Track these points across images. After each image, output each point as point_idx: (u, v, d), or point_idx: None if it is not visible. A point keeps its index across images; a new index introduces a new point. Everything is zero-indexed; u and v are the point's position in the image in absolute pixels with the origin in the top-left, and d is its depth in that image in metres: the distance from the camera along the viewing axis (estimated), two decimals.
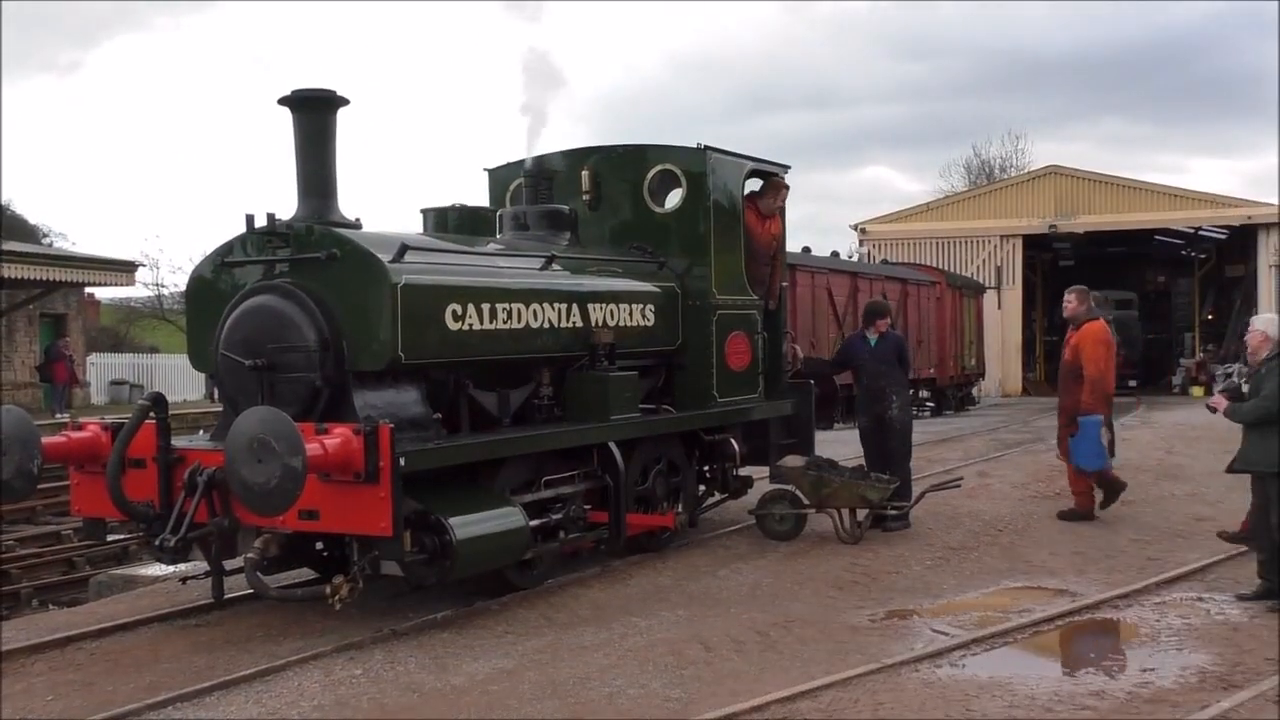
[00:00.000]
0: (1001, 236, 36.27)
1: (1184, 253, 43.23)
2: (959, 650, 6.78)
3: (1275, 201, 34.06)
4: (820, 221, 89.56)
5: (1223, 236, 38.80)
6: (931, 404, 27.39)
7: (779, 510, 10.30)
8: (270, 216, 7.53)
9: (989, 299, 34.12)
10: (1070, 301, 11.04)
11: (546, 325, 8.42)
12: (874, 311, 11.24)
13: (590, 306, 8.85)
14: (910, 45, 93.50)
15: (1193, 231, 39.18)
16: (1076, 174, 36.66)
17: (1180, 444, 17.88)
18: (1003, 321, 35.71)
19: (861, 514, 10.14)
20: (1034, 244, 37.84)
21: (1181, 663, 6.53)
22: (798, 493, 10.23)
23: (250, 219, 7.60)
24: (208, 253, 8.15)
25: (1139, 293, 40.90)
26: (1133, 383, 36.36)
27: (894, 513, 10.41)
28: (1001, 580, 8.76)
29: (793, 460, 10.26)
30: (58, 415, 23.61)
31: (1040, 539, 10.17)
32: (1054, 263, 42.44)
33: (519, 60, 9.37)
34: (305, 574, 8.37)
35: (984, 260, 36.26)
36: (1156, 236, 40.50)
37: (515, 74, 9.40)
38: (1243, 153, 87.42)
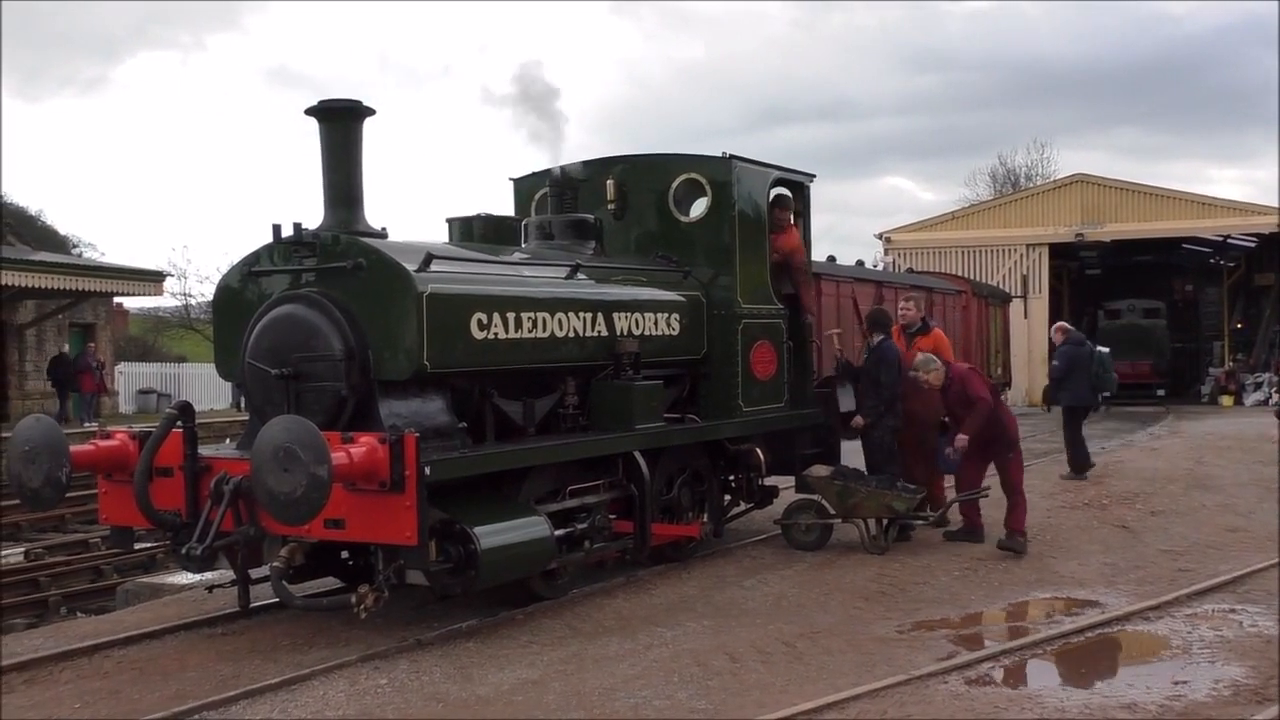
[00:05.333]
0: (1028, 245, 36.03)
1: (1212, 261, 42.81)
2: (988, 662, 6.72)
3: None
4: (838, 231, 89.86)
5: (1252, 245, 38.44)
6: None
7: (805, 520, 10.26)
8: (297, 226, 7.55)
9: (1015, 308, 33.88)
10: (910, 309, 11.62)
11: (571, 334, 8.41)
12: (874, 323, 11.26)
13: (615, 315, 8.83)
14: (921, 58, 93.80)
15: (1221, 240, 38.80)
16: (1103, 182, 36.38)
17: (1210, 454, 17.70)
18: (1029, 331, 35.42)
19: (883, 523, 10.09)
20: (1060, 253, 37.56)
21: (1214, 675, 6.44)
22: (824, 502, 10.19)
23: (277, 229, 7.64)
24: (235, 262, 8.19)
25: (1167, 301, 40.48)
26: (1161, 392, 36.06)
27: (920, 523, 10.38)
28: (1030, 591, 8.69)
29: (819, 470, 10.23)
30: (85, 424, 23.77)
31: (1069, 549, 10.09)
32: (1081, 272, 42.12)
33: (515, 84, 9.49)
34: (331, 583, 8.39)
35: (1010, 269, 36.02)
36: (1184, 245, 40.11)
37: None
38: (1257, 161, 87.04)
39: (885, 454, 10.58)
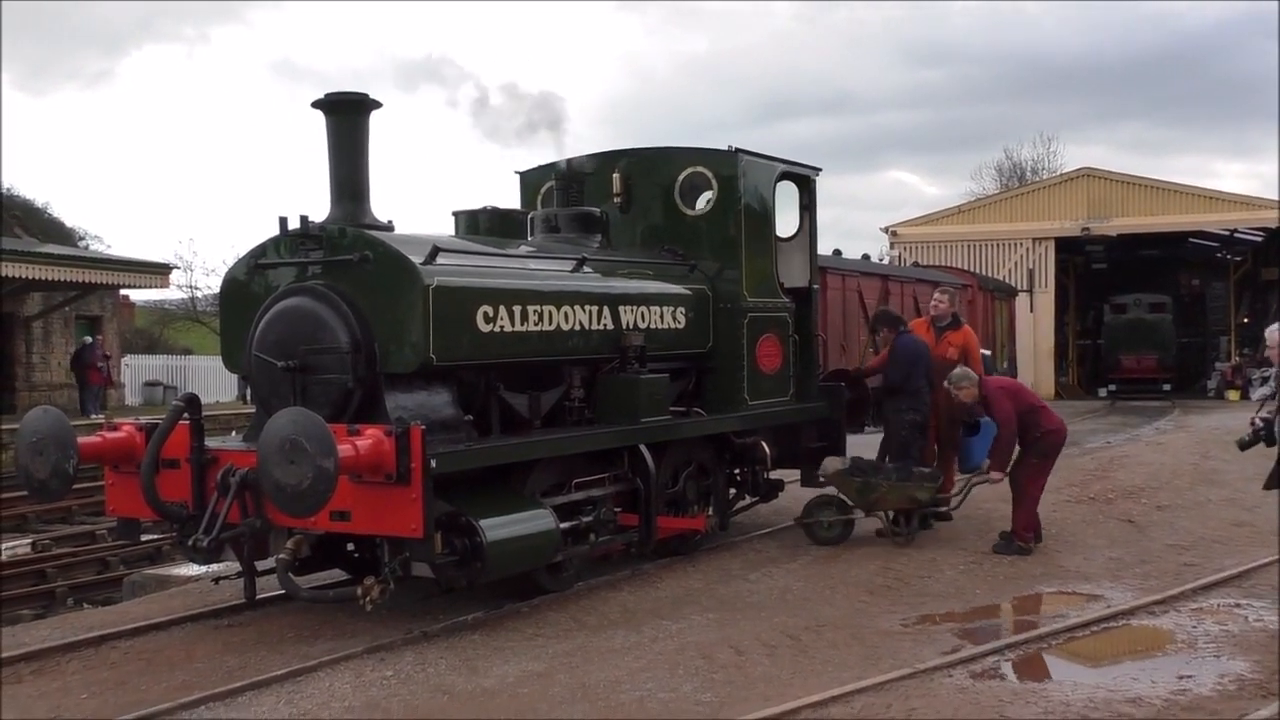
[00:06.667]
0: (1034, 239, 35.99)
1: (1219, 255, 42.71)
2: (992, 655, 6.72)
3: None
4: (842, 225, 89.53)
5: (1259, 239, 38.36)
6: None
7: (827, 517, 10.22)
8: (303, 219, 7.56)
9: (1021, 302, 33.87)
10: (943, 302, 11.36)
11: (577, 327, 8.42)
12: (884, 322, 11.25)
13: (621, 309, 8.84)
14: (925, 53, 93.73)
15: (1228, 234, 38.73)
16: (1109, 176, 36.32)
17: (1216, 448, 17.64)
18: (1035, 325, 35.42)
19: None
20: (1066, 247, 37.49)
21: (1220, 670, 6.44)
22: (843, 497, 10.16)
23: (283, 221, 7.64)
24: (241, 255, 8.20)
25: (1173, 295, 40.40)
26: (1167, 386, 35.99)
27: (941, 510, 10.39)
28: (1035, 585, 8.69)
29: (834, 464, 10.19)
30: (93, 416, 23.81)
31: (1074, 544, 10.08)
32: (1087, 266, 42.05)
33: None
34: (336, 575, 8.40)
35: (1016, 263, 35.99)
36: (1191, 239, 40.04)
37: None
38: (1263, 156, 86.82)
39: (899, 447, 10.56)
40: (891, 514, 10.10)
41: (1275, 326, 7.75)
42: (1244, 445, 7.98)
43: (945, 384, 10.11)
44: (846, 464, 10.17)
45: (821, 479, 10.28)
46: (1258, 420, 7.70)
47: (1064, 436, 10.08)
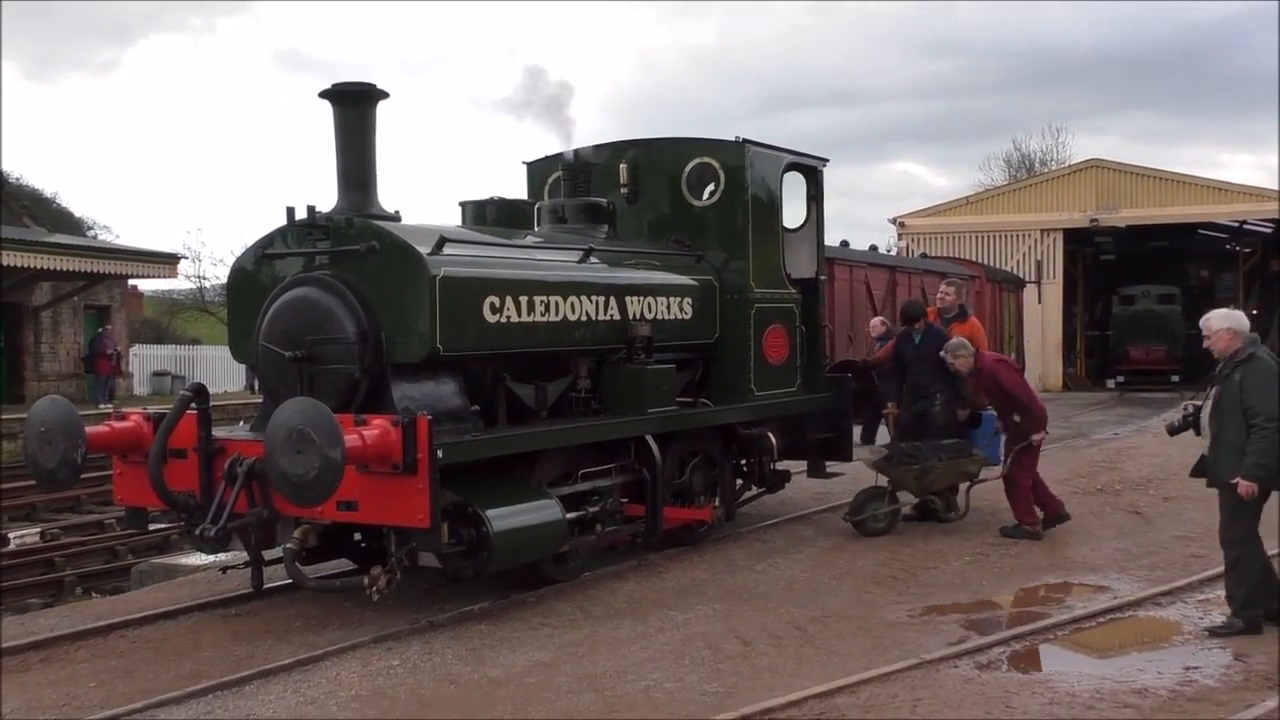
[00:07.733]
0: (1042, 230, 35.86)
1: (1228, 247, 42.55)
2: (999, 646, 6.73)
3: None
4: (849, 216, 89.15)
5: (1268, 230, 38.21)
6: None
7: (878, 509, 10.21)
8: (310, 209, 7.57)
9: (1029, 293, 33.76)
10: (950, 294, 11.50)
11: (584, 318, 8.42)
12: (907, 314, 11.26)
13: (628, 299, 8.84)
14: (933, 44, 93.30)
15: (1237, 225, 38.58)
16: (1118, 167, 36.18)
17: None
18: (1043, 316, 35.32)
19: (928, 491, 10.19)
20: (1075, 238, 37.37)
21: (1226, 661, 6.45)
22: (891, 487, 10.18)
23: (291, 211, 7.66)
24: (249, 245, 8.21)
25: (1181, 287, 40.22)
26: (1175, 378, 35.90)
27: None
28: (1041, 576, 8.69)
29: (871, 452, 10.24)
30: (101, 406, 23.86)
31: (1081, 535, 10.07)
32: (1095, 257, 41.93)
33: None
34: (343, 565, 8.42)
35: (1024, 254, 35.88)
36: (1200, 230, 39.89)
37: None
38: (1271, 146, 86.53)
39: (943, 432, 10.54)
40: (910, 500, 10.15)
41: (1211, 314, 7.63)
42: (1173, 430, 7.95)
43: (942, 353, 10.24)
44: (884, 452, 10.19)
45: (871, 466, 10.30)
46: (1189, 407, 7.68)
47: (1045, 417, 10.21)
